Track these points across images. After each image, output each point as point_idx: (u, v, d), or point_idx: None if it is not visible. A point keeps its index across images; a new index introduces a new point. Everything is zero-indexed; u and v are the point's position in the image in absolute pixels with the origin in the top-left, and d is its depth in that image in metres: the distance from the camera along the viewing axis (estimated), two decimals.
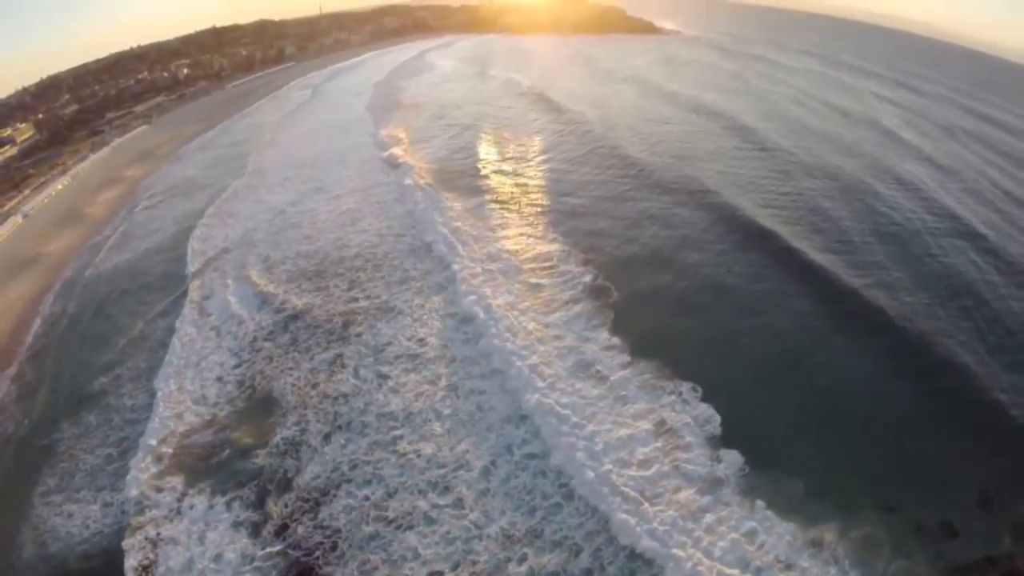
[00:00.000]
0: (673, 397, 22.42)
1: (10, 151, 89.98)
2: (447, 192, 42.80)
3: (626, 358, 24.44)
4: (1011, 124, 79.72)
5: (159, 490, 20.57)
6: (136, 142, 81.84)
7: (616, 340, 25.58)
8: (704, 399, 22.16)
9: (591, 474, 19.18)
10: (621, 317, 27.35)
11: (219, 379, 25.96)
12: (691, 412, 21.63)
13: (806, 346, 25.83)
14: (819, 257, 32.43)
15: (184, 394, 25.31)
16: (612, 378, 23.34)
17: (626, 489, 18.74)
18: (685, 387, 22.74)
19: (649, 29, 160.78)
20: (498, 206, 40.57)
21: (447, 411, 22.75)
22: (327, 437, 22.15)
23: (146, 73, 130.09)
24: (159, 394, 25.51)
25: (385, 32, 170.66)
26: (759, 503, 18.26)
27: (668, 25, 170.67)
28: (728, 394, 22.36)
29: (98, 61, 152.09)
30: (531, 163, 49.30)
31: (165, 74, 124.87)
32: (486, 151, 52.26)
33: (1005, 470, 20.01)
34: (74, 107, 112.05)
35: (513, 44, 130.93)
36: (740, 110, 66.35)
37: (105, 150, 78.69)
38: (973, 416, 22.19)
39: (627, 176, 45.56)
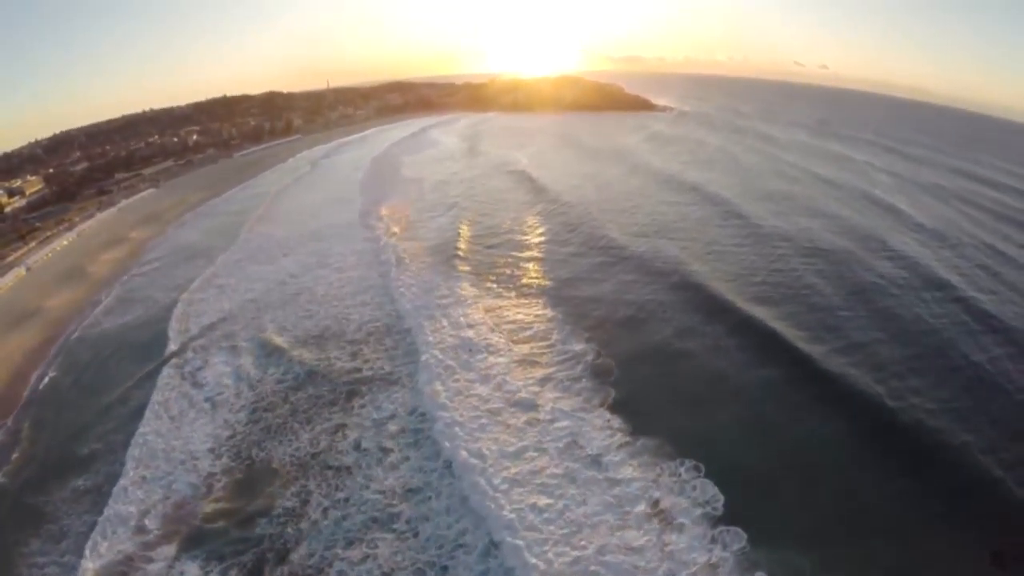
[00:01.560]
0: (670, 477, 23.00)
1: (19, 202, 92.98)
2: (424, 268, 45.29)
3: (624, 438, 25.22)
4: (997, 181, 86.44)
5: (149, 560, 21.22)
6: (143, 204, 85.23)
7: (615, 421, 26.42)
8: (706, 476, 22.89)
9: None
10: (619, 398, 28.27)
11: (209, 450, 26.94)
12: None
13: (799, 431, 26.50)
14: (810, 336, 33.50)
15: (167, 465, 26.20)
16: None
17: None
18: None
19: (645, 106, 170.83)
20: (477, 282, 42.52)
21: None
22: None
23: (156, 137, 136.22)
24: (139, 463, 26.45)
25: (389, 108, 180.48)
26: None
27: (663, 102, 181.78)
28: (731, 475, 23.04)
29: (110, 121, 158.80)
30: (513, 242, 51.46)
31: (175, 139, 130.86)
32: (469, 230, 54.47)
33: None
34: (84, 164, 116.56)
35: (512, 122, 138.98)
36: (723, 184, 69.69)
37: (112, 210, 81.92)
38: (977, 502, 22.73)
39: (606, 256, 47.31)
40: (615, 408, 27.42)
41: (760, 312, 36.36)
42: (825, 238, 50.35)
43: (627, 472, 23.24)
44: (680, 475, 22.95)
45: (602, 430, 25.79)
